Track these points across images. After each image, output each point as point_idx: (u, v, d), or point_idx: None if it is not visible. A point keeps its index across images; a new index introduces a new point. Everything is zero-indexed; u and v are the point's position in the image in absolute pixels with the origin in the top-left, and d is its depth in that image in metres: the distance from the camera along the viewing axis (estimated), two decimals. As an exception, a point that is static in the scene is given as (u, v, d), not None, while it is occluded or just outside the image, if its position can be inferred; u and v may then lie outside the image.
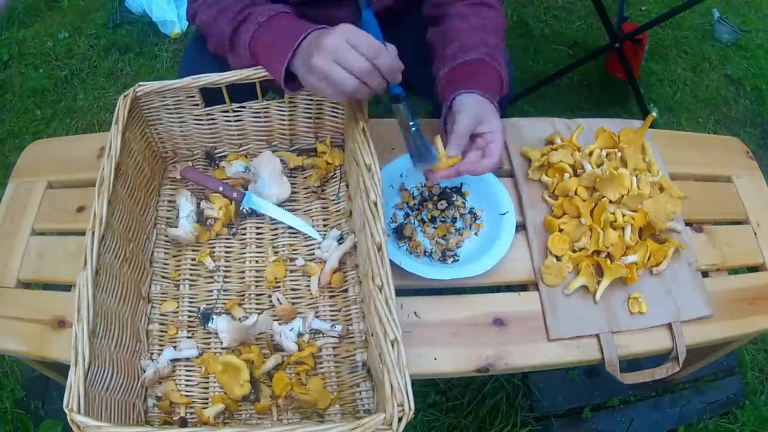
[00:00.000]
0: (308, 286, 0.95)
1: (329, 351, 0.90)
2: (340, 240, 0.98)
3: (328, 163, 1.06)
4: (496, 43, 0.96)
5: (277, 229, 1.02)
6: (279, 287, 0.95)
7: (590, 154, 1.06)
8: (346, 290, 0.95)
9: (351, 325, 0.92)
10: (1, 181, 1.78)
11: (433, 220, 1.02)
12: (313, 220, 1.02)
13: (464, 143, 0.86)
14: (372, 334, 0.78)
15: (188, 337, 0.91)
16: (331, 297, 0.95)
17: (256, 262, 0.98)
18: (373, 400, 0.85)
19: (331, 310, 0.93)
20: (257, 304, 0.94)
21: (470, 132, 0.87)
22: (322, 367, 0.89)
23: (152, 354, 0.89)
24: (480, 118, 0.87)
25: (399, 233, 0.99)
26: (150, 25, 2.27)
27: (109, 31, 2.27)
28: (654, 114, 1.18)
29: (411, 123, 0.84)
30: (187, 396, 0.86)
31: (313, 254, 0.99)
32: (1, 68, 2.17)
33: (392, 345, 0.69)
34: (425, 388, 1.44)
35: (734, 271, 1.05)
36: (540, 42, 2.31)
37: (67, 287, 0.96)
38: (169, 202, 1.04)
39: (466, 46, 0.94)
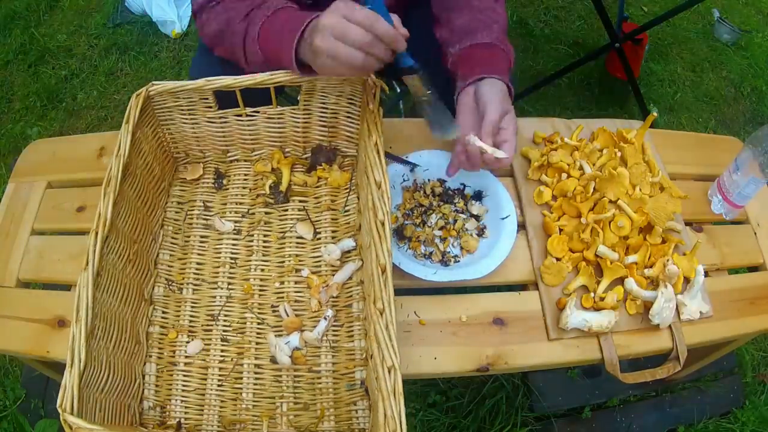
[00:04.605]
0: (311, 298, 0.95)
1: (328, 366, 0.89)
2: (353, 250, 0.98)
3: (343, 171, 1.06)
4: (501, 27, 1.00)
5: (284, 238, 1.01)
6: (283, 298, 0.95)
7: (589, 154, 1.06)
8: (350, 305, 0.94)
9: (353, 341, 0.91)
10: (1, 181, 1.79)
11: (433, 220, 1.01)
12: (322, 232, 1.02)
13: (494, 131, 0.90)
14: (371, 356, 0.78)
15: (187, 342, 0.91)
16: (334, 312, 0.94)
17: (262, 270, 0.97)
18: (369, 420, 0.84)
19: (334, 325, 0.92)
20: (260, 313, 0.94)
21: (500, 122, 0.91)
22: (320, 383, 0.88)
23: (151, 357, 0.89)
24: (504, 111, 0.91)
25: (400, 234, 0.99)
26: (150, 25, 2.27)
27: (109, 31, 2.27)
28: (655, 114, 1.18)
29: (428, 91, 0.84)
30: (183, 401, 0.86)
31: (320, 267, 0.98)
32: (2, 68, 2.17)
33: (389, 371, 0.67)
34: (425, 388, 1.44)
35: (734, 270, 1.05)
36: (540, 42, 2.31)
37: (67, 287, 0.96)
38: (178, 203, 1.04)
39: (475, 29, 0.98)
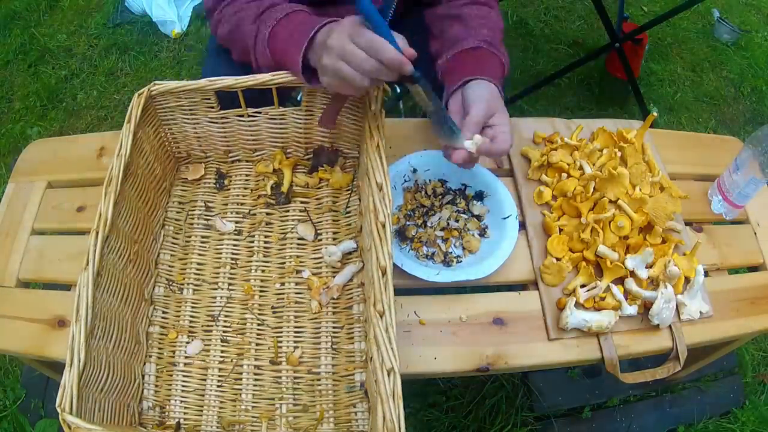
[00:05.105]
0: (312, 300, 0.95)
1: (328, 368, 0.89)
2: (353, 252, 0.98)
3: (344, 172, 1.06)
4: (493, 32, 0.97)
5: (285, 239, 1.01)
6: (283, 299, 0.94)
7: (589, 154, 1.06)
8: (350, 307, 0.94)
9: (353, 343, 0.91)
10: (1, 181, 1.79)
11: (435, 221, 1.01)
12: (323, 233, 1.01)
13: (478, 130, 0.86)
14: (371, 359, 0.77)
15: (187, 342, 0.91)
16: (334, 314, 0.94)
17: (262, 271, 0.97)
18: (368, 423, 0.84)
19: (334, 327, 0.92)
20: (260, 314, 0.93)
21: (484, 121, 0.86)
22: (319, 385, 0.88)
23: (150, 357, 0.89)
24: (492, 110, 0.87)
25: (401, 235, 0.99)
26: (150, 25, 2.27)
27: (109, 31, 2.27)
28: (655, 114, 1.18)
29: (430, 101, 0.82)
30: (182, 401, 0.86)
31: (321, 268, 0.97)
32: (2, 68, 2.17)
33: (388, 374, 0.67)
34: (425, 388, 1.44)
35: (734, 270, 1.05)
36: (540, 42, 2.31)
37: (67, 287, 0.96)
38: (180, 203, 1.04)
39: (464, 36, 0.96)
